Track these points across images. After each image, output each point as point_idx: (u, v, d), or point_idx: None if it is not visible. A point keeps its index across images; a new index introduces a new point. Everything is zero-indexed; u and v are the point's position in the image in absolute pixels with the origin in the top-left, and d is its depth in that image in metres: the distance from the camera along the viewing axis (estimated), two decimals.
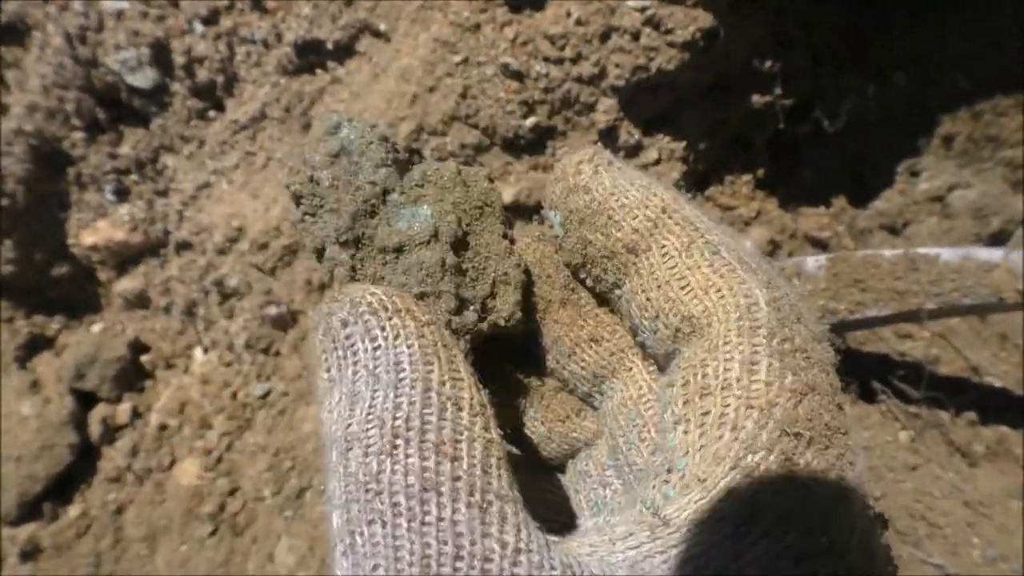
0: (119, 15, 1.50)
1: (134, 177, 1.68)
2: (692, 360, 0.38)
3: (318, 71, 1.50)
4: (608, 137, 1.36)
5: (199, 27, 1.49)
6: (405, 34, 1.38)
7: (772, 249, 1.47)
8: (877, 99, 1.73)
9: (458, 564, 0.29)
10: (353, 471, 0.31)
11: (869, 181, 1.77)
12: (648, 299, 0.41)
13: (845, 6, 1.61)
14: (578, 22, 1.26)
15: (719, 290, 0.38)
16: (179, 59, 1.51)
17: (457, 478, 0.31)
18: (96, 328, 1.79)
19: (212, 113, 1.59)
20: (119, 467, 1.69)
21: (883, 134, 1.78)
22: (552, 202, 0.46)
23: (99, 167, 1.66)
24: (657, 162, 1.39)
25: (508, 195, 1.38)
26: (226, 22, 1.48)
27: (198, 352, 1.80)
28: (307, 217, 0.45)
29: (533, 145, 1.39)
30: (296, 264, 1.61)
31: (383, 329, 0.36)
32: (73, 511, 1.62)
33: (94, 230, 1.75)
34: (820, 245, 1.57)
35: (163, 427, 1.72)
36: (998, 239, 1.72)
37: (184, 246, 1.73)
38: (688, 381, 0.37)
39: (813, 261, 1.20)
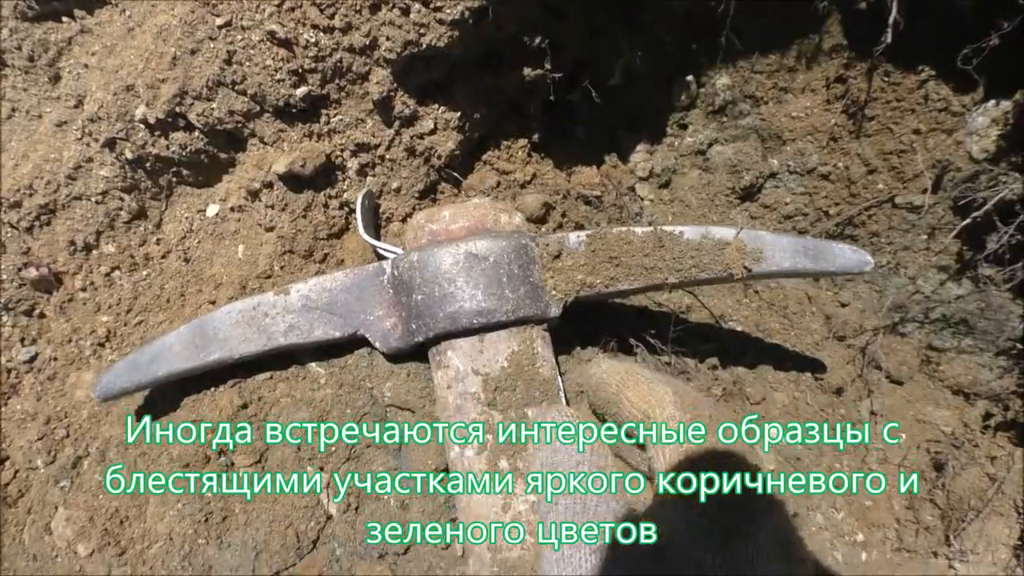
0: None
1: None
2: None
3: (64, 19, 1.36)
4: (383, 107, 1.36)
5: None
6: None
7: (546, 212, 1.54)
8: (648, 58, 1.82)
9: None
10: None
11: (641, 135, 1.88)
12: None
13: None
14: None
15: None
16: None
17: None
18: None
19: None
20: None
21: (656, 90, 1.88)
22: None
23: None
24: (433, 131, 1.41)
25: (282, 165, 1.35)
26: None
27: None
28: None
29: (306, 113, 1.36)
30: (56, 224, 1.50)
31: None
32: None
33: None
34: (591, 204, 1.67)
35: None
36: (748, 192, 1.90)
37: None
38: None
39: (575, 237, 1.29)
